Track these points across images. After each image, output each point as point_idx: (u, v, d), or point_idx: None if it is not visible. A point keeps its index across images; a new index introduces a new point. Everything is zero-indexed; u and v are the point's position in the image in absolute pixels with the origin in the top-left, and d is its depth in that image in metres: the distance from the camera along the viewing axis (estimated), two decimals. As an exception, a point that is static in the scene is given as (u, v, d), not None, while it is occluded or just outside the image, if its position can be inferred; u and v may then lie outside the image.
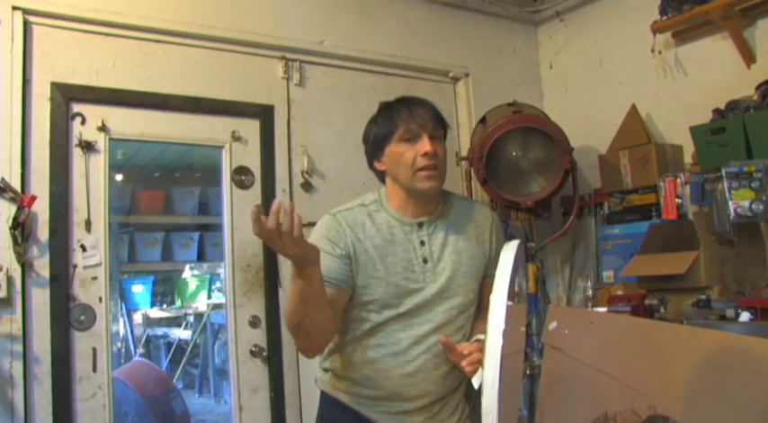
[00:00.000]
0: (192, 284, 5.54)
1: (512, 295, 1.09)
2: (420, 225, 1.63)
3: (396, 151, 1.58)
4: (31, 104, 2.15)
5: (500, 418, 0.95)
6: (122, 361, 4.11)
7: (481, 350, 1.29)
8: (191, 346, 4.98)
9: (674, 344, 0.98)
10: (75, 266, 2.18)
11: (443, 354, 1.58)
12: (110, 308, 2.25)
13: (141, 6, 2.37)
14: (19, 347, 2.02)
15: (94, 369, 2.17)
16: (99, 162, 2.26)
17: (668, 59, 2.81)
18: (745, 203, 2.08)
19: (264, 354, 2.49)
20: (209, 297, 5.21)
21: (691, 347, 0.94)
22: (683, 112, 2.66)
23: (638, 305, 2.22)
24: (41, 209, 2.12)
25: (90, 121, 2.26)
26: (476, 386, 1.43)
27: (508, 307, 1.05)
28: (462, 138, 3.12)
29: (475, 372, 1.47)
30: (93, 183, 2.24)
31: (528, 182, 2.73)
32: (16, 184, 2.07)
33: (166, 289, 5.77)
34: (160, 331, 5.40)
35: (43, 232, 2.12)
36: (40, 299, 2.09)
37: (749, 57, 2.52)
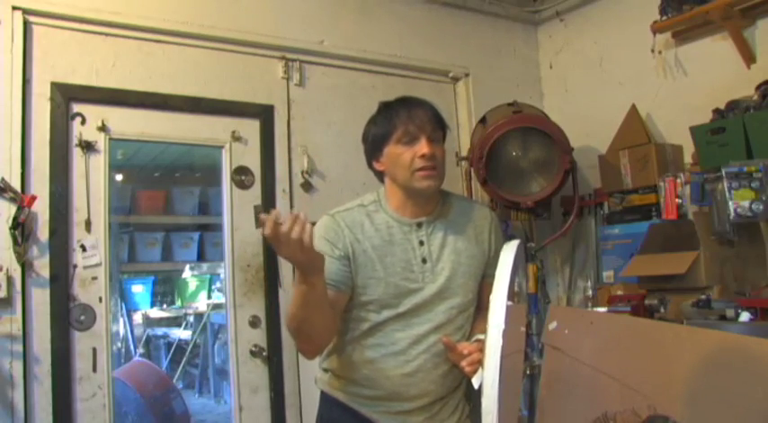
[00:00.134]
0: (192, 284, 5.54)
1: (512, 295, 1.09)
2: (419, 225, 1.63)
3: (394, 152, 1.58)
4: (31, 104, 2.15)
5: (500, 418, 0.95)
6: (122, 361, 4.11)
7: (481, 350, 1.29)
8: (191, 346, 4.98)
9: (674, 344, 0.98)
10: (75, 266, 2.18)
11: (443, 353, 1.58)
12: (110, 308, 2.25)
13: (141, 6, 2.37)
14: (19, 347, 2.02)
15: (94, 369, 2.17)
16: (99, 162, 2.26)
17: (668, 59, 2.81)
18: (745, 203, 2.08)
19: (264, 354, 2.49)
20: (209, 297, 5.21)
21: (691, 347, 0.94)
22: (683, 112, 2.66)
23: (638, 305, 2.22)
24: (41, 209, 2.12)
25: (90, 121, 2.26)
26: (476, 386, 1.43)
27: (508, 307, 1.05)
28: (462, 138, 3.12)
29: (475, 372, 1.47)
30: (93, 183, 2.24)
31: (528, 182, 2.73)
32: (16, 184, 2.07)
33: (166, 289, 5.77)
34: (160, 331, 5.40)
35: (43, 232, 2.12)
36: (40, 299, 2.09)
37: (749, 57, 2.52)
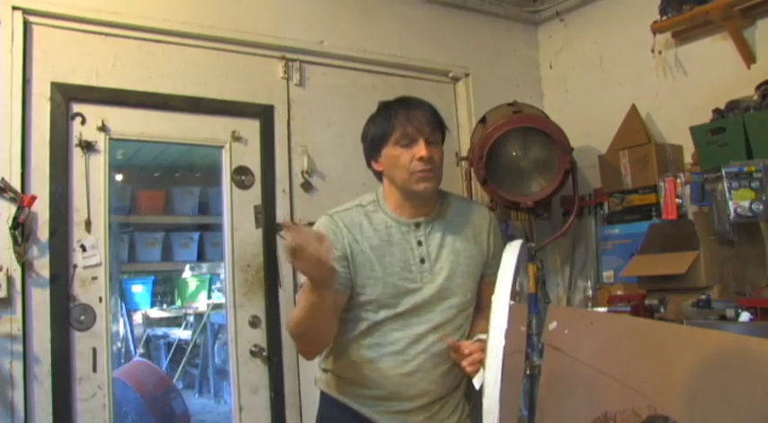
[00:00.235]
0: (192, 284, 5.54)
1: (513, 295, 1.08)
2: (417, 225, 1.63)
3: (392, 154, 1.58)
4: (31, 104, 2.15)
5: (501, 418, 0.95)
6: (122, 361, 4.11)
7: (483, 350, 1.29)
8: (191, 346, 4.98)
9: (674, 344, 0.98)
10: (75, 266, 2.18)
11: (442, 353, 1.58)
12: (110, 308, 2.25)
13: (141, 6, 2.37)
14: (19, 347, 2.02)
15: (94, 369, 2.17)
16: (99, 162, 2.26)
17: (668, 59, 2.81)
18: (745, 203, 2.08)
19: (264, 354, 2.48)
20: (209, 297, 5.21)
21: (691, 347, 0.94)
22: (683, 112, 2.66)
23: (638, 305, 2.22)
24: (41, 209, 2.12)
25: (90, 121, 2.26)
26: (477, 386, 1.43)
27: (510, 307, 1.04)
28: (462, 138, 3.12)
29: (476, 371, 1.47)
30: (93, 183, 2.24)
31: (528, 182, 2.73)
32: (16, 184, 2.07)
33: (166, 289, 5.77)
34: (160, 331, 5.40)
35: (43, 232, 2.12)
36: (40, 299, 2.09)
37: (749, 57, 2.52)
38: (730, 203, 2.10)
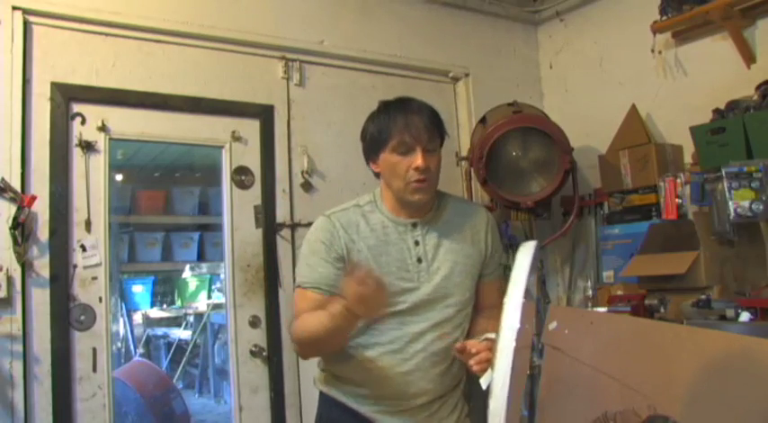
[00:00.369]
0: (192, 284, 5.54)
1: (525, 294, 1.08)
2: (414, 225, 1.63)
3: (389, 160, 1.58)
4: (31, 104, 2.15)
5: (508, 418, 0.95)
6: (122, 361, 4.11)
7: (490, 349, 1.29)
8: (191, 346, 4.98)
9: (675, 344, 0.98)
10: (75, 266, 2.18)
11: (441, 352, 1.59)
12: (110, 308, 2.25)
13: (141, 6, 2.37)
14: (19, 347, 2.02)
15: (94, 369, 2.17)
16: (99, 162, 2.26)
17: (668, 59, 2.81)
18: (745, 203, 2.08)
19: (264, 354, 2.48)
20: (209, 297, 5.22)
21: (691, 348, 0.94)
22: (683, 112, 2.66)
23: (638, 305, 2.22)
24: (41, 209, 2.12)
25: (90, 121, 2.26)
26: (484, 386, 1.43)
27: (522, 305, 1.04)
28: (462, 138, 3.11)
29: (483, 370, 1.47)
30: (93, 183, 2.24)
31: (528, 182, 2.73)
32: (16, 184, 2.07)
33: (166, 289, 5.77)
34: (160, 331, 5.40)
35: (43, 232, 2.12)
36: (40, 299, 2.09)
37: (749, 57, 2.52)
38: (730, 203, 2.10)
